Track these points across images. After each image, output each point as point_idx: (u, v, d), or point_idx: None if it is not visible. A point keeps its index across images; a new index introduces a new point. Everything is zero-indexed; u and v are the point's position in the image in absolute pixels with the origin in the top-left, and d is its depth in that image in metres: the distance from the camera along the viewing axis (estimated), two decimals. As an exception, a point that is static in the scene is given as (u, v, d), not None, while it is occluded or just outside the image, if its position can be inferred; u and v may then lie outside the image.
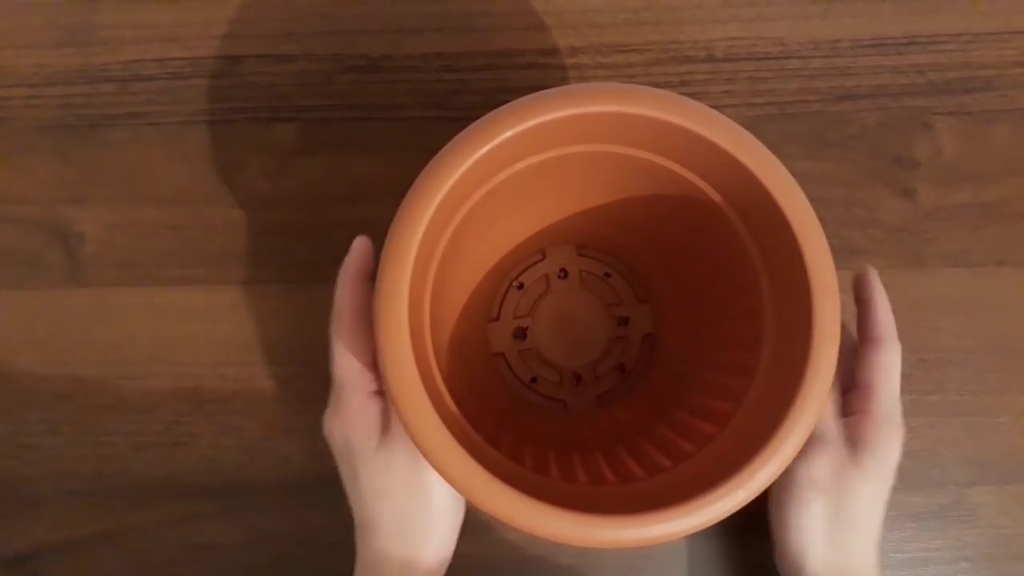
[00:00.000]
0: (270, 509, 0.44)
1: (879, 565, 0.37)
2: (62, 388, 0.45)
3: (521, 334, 0.44)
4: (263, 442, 0.44)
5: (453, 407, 0.30)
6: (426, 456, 0.28)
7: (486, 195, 0.33)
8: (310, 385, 0.44)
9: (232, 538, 0.44)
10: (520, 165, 0.32)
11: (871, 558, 0.36)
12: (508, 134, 0.29)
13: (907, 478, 0.44)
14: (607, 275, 0.44)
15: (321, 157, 0.46)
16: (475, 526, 0.42)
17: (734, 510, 0.28)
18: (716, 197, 0.33)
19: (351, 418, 0.35)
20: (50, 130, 0.46)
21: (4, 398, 0.45)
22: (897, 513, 0.44)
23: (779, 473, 0.28)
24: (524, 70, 0.46)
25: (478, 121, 0.30)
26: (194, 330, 0.45)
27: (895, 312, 0.45)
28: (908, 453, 0.44)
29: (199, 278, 0.45)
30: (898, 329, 0.45)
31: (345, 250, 0.45)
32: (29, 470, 0.44)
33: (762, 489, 0.28)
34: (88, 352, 0.45)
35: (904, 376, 0.44)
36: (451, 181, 0.29)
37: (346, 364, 0.35)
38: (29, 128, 0.46)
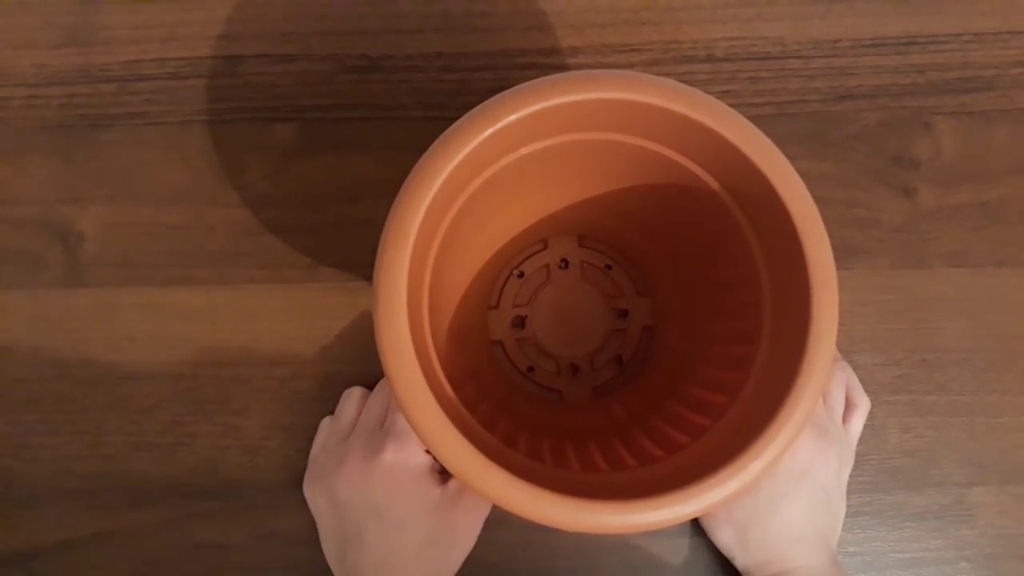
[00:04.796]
0: (270, 509, 0.44)
1: (809, 552, 0.39)
2: (62, 388, 0.45)
3: (520, 323, 0.44)
4: (263, 442, 0.44)
5: (450, 391, 0.31)
6: (422, 438, 0.28)
7: (488, 180, 0.33)
8: (309, 385, 0.44)
9: (232, 538, 0.44)
10: (524, 151, 0.32)
11: (794, 550, 0.39)
12: (512, 118, 0.29)
13: (907, 478, 0.44)
14: (608, 267, 0.44)
15: (321, 157, 0.46)
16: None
17: (727, 500, 0.28)
18: (717, 187, 0.33)
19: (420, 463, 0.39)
20: (50, 130, 0.46)
21: (4, 398, 0.45)
22: (897, 513, 0.44)
23: (773, 464, 0.28)
24: (524, 70, 0.46)
25: (483, 104, 0.29)
26: (194, 330, 0.45)
27: (896, 313, 0.45)
28: (908, 453, 0.44)
29: (199, 278, 0.45)
30: (899, 330, 0.45)
31: (345, 250, 0.45)
32: (29, 470, 0.44)
33: (756, 480, 0.28)
34: (88, 352, 0.45)
35: (904, 376, 0.45)
36: (454, 162, 0.29)
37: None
38: (29, 128, 0.46)
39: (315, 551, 0.42)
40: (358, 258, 0.45)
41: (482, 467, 0.27)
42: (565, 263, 0.44)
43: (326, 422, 0.43)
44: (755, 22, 0.46)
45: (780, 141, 0.30)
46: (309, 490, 0.42)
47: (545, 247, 0.44)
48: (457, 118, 0.29)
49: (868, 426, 0.44)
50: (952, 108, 0.46)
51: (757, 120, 0.30)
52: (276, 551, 0.44)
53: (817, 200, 0.30)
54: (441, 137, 0.29)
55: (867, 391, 0.43)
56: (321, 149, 0.46)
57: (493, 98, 0.29)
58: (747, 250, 0.33)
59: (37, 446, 0.44)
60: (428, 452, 0.40)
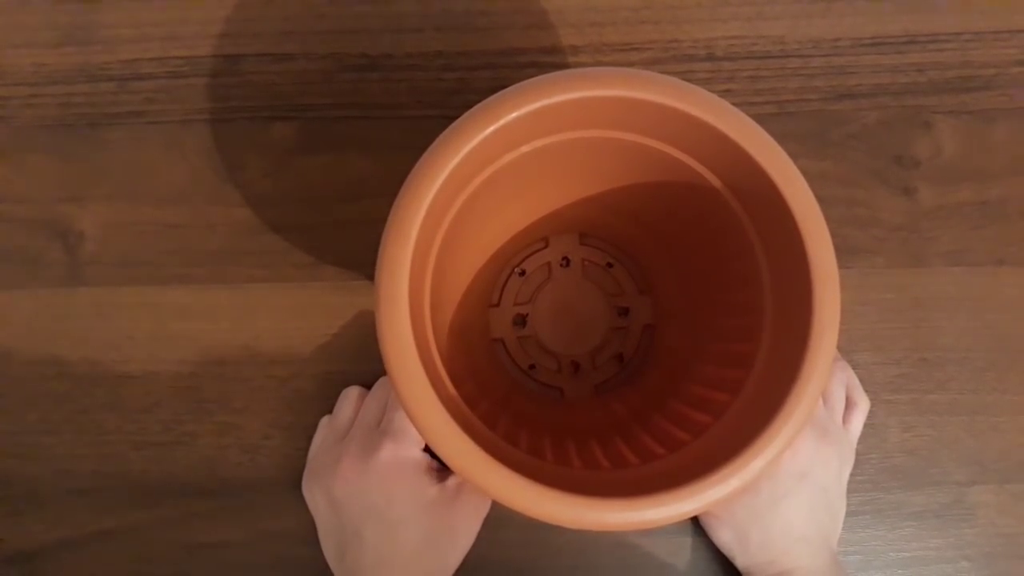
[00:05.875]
0: (270, 509, 0.44)
1: (810, 552, 0.39)
2: (62, 388, 0.45)
3: (521, 321, 0.44)
4: (263, 442, 0.44)
5: (451, 388, 0.31)
6: (424, 434, 0.28)
7: (489, 178, 0.33)
8: (309, 384, 0.44)
9: (232, 538, 0.44)
10: (525, 149, 0.32)
11: (796, 550, 0.39)
12: (513, 115, 0.29)
13: (907, 477, 0.44)
14: (609, 265, 0.44)
15: (321, 156, 0.46)
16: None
17: (728, 498, 0.28)
18: (719, 185, 0.33)
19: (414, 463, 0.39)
20: (50, 129, 0.46)
21: (4, 398, 0.45)
22: (897, 512, 0.44)
23: (774, 462, 0.28)
24: (525, 69, 0.46)
25: (484, 102, 0.30)
26: (194, 330, 0.45)
27: (896, 312, 0.45)
28: (908, 452, 0.44)
29: (199, 278, 0.45)
30: (898, 328, 0.45)
31: (345, 249, 0.45)
32: (29, 470, 0.44)
33: (757, 478, 0.28)
34: (88, 352, 0.45)
35: (904, 376, 0.45)
36: (456, 160, 0.29)
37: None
38: (29, 127, 0.46)
39: (315, 550, 0.42)
40: (358, 257, 0.45)
41: (483, 464, 0.27)
42: (566, 261, 0.44)
43: (324, 421, 0.43)
44: (755, 21, 0.46)
45: (780, 140, 0.30)
46: (307, 489, 0.42)
47: (546, 245, 0.44)
48: (457, 117, 0.29)
49: (868, 425, 0.44)
50: (952, 107, 0.46)
51: (757, 119, 0.30)
52: (275, 550, 0.44)
53: (817, 199, 0.30)
54: (442, 135, 0.29)
55: (867, 390, 0.43)
56: (321, 148, 0.46)
57: (494, 96, 0.29)
58: (748, 248, 0.33)
59: (37, 445, 0.44)
60: (426, 450, 0.40)
